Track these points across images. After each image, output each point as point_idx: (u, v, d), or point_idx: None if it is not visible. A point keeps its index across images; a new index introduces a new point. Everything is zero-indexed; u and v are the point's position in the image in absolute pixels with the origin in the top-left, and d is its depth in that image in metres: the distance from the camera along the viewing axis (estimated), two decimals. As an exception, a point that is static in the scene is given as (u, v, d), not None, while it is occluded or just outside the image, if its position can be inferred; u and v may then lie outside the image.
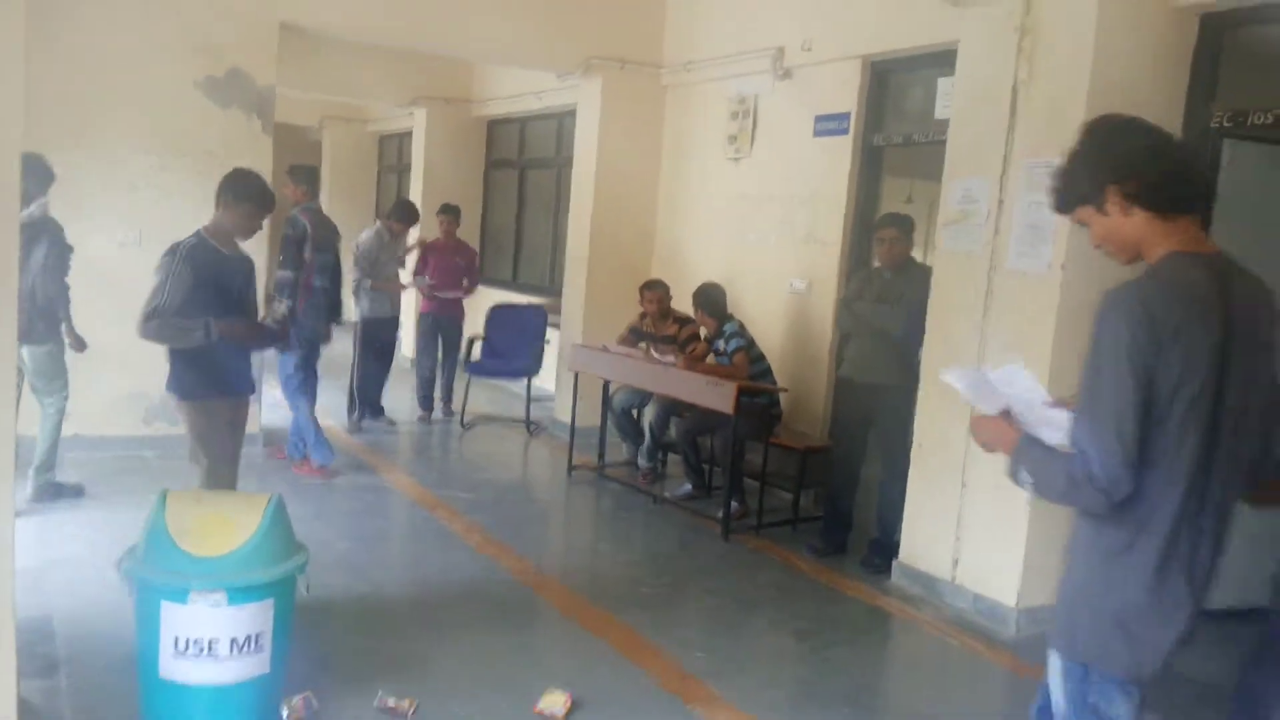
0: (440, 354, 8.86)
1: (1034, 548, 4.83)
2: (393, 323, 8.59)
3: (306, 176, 7.22)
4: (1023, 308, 4.84)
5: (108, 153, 6.58)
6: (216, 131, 6.82)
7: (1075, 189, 2.23)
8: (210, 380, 4.32)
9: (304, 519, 3.99)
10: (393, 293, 8.48)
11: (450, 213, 8.85)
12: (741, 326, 6.54)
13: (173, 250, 4.29)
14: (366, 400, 8.37)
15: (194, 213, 6.70)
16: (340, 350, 8.65)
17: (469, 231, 11.58)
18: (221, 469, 4.34)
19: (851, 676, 4.36)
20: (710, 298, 6.62)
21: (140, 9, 6.54)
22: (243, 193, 4.43)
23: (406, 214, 8.56)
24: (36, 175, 5.37)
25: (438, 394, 8.95)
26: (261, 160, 6.96)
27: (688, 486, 6.76)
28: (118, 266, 6.63)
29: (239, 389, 4.50)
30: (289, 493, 3.96)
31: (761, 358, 6.55)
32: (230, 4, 6.79)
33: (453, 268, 8.76)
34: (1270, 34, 4.81)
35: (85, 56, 6.44)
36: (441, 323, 8.79)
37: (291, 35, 7.25)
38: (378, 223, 8.71)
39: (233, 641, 3.18)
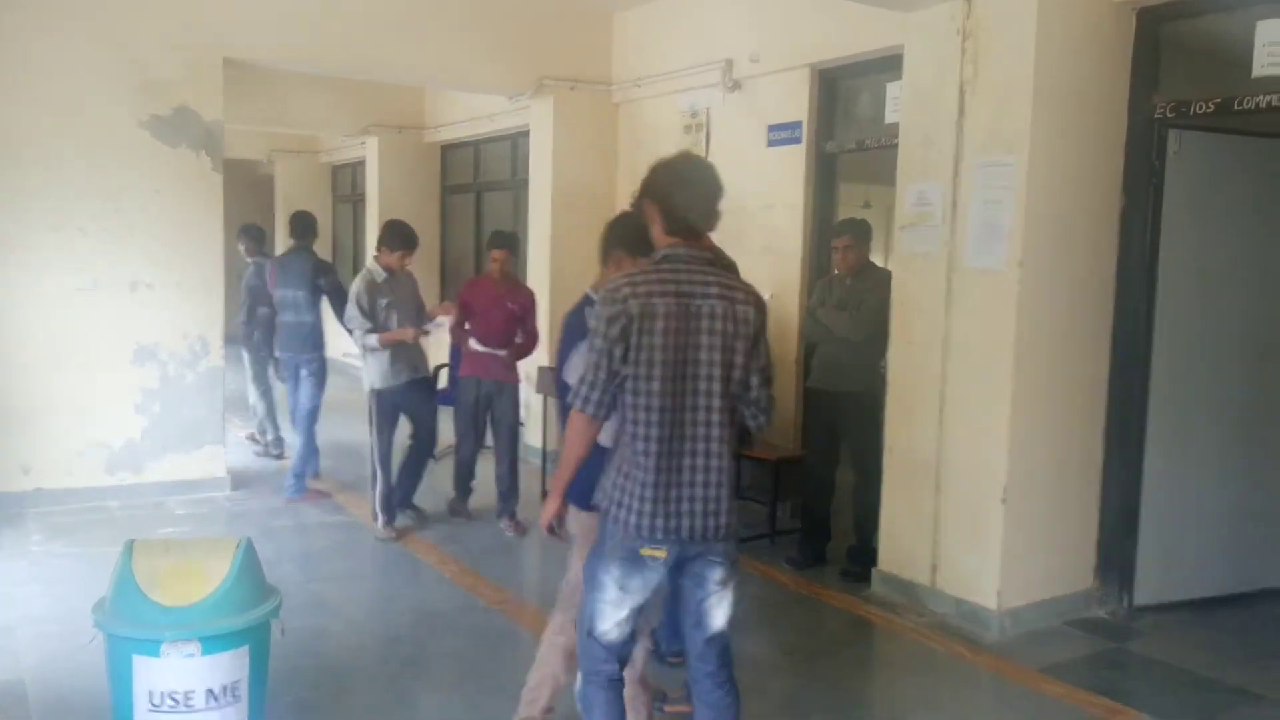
0: (490, 434, 6.56)
1: (1011, 549, 4.85)
2: (419, 391, 6.39)
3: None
4: (983, 305, 4.87)
5: (54, 197, 6.46)
6: (165, 170, 6.73)
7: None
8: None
9: (273, 561, 3.92)
10: (409, 348, 6.26)
11: (505, 243, 6.44)
12: None
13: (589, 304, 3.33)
14: (391, 500, 6.33)
15: (144, 254, 6.68)
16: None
17: (426, 259, 11.54)
18: None
19: (837, 688, 4.35)
20: None
21: (83, 51, 6.45)
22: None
23: (394, 238, 6.25)
24: None
25: (481, 485, 6.79)
26: (213, 197, 6.91)
27: None
28: (72, 312, 6.54)
29: None
30: (257, 535, 3.89)
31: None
32: (174, 42, 6.71)
33: (503, 316, 6.36)
34: (1203, 25, 4.91)
35: (28, 100, 6.35)
36: (486, 391, 6.36)
37: (237, 69, 7.19)
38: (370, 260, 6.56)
39: (209, 692, 3.11)
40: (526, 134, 8.95)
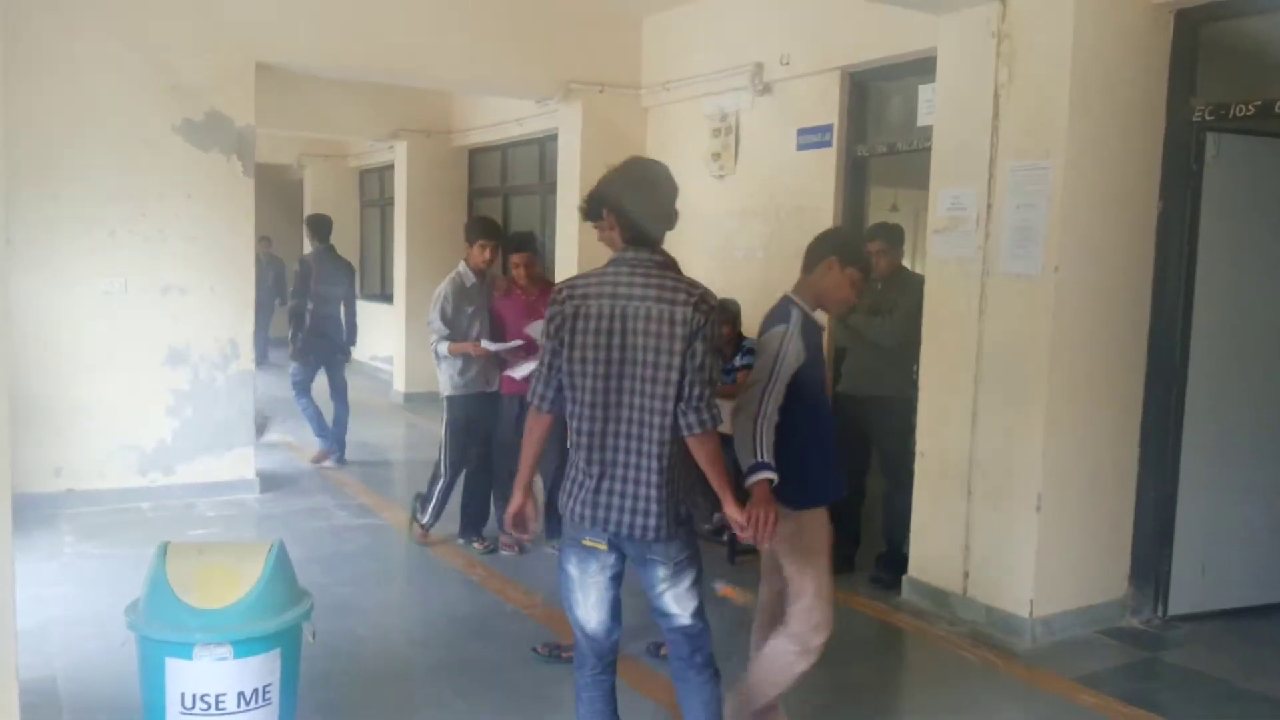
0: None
1: (1044, 556, 4.79)
2: (489, 405, 6.04)
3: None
4: (1017, 311, 4.82)
5: (86, 200, 6.52)
6: (197, 175, 6.78)
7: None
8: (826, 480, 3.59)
9: (302, 563, 3.92)
10: (483, 360, 5.92)
11: (524, 245, 6.06)
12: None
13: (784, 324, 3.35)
14: (468, 516, 6.18)
15: (175, 258, 6.73)
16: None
17: (452, 263, 11.54)
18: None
19: (869, 696, 4.31)
20: (731, 314, 6.46)
21: (116, 55, 6.50)
22: None
23: (473, 228, 6.14)
24: None
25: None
26: (244, 201, 6.95)
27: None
28: (103, 315, 6.59)
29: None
30: (286, 537, 3.90)
31: None
32: (206, 46, 6.77)
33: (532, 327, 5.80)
34: (1243, 26, 4.83)
35: (60, 103, 6.40)
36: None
37: (268, 74, 7.23)
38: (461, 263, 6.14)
39: (240, 695, 3.11)
40: (554, 138, 8.96)
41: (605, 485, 2.94)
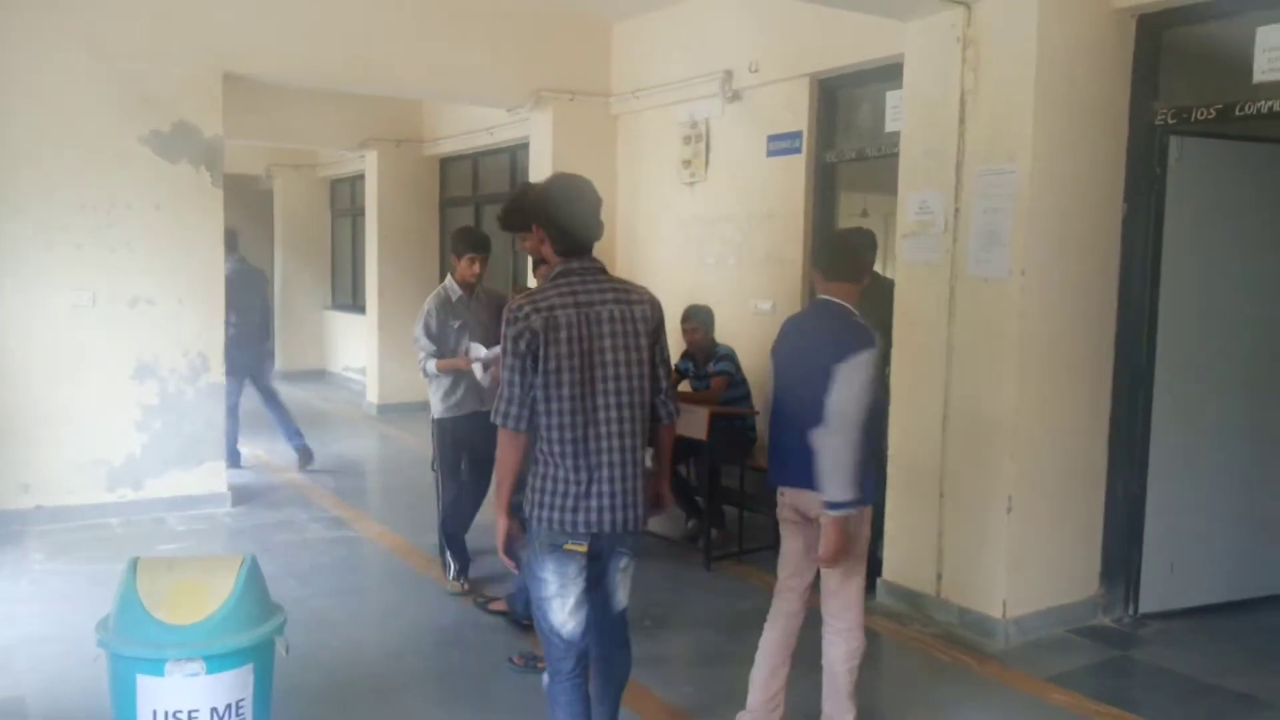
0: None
1: (1016, 557, 4.83)
2: (483, 424, 4.81)
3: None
4: (986, 313, 4.86)
5: (53, 212, 6.45)
6: (165, 186, 6.73)
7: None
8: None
9: (275, 578, 3.90)
10: (470, 378, 5.40)
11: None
12: (732, 352, 6.42)
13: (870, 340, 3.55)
14: (454, 546, 5.56)
15: (144, 270, 6.68)
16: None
17: (425, 273, 11.54)
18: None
19: (844, 697, 4.31)
20: (703, 319, 6.52)
21: (83, 67, 6.45)
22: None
23: (458, 240, 5.59)
24: None
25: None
26: (213, 212, 6.91)
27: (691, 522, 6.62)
28: (71, 328, 6.52)
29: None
30: (258, 551, 3.88)
31: (744, 381, 6.48)
32: (174, 58, 6.72)
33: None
34: (1204, 31, 4.90)
35: (26, 114, 6.34)
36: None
37: (236, 84, 7.19)
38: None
39: (213, 711, 3.08)
40: (525, 146, 8.97)
41: (595, 488, 3.06)
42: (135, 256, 6.67)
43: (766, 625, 3.88)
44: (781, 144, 6.86)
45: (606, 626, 3.30)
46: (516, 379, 3.04)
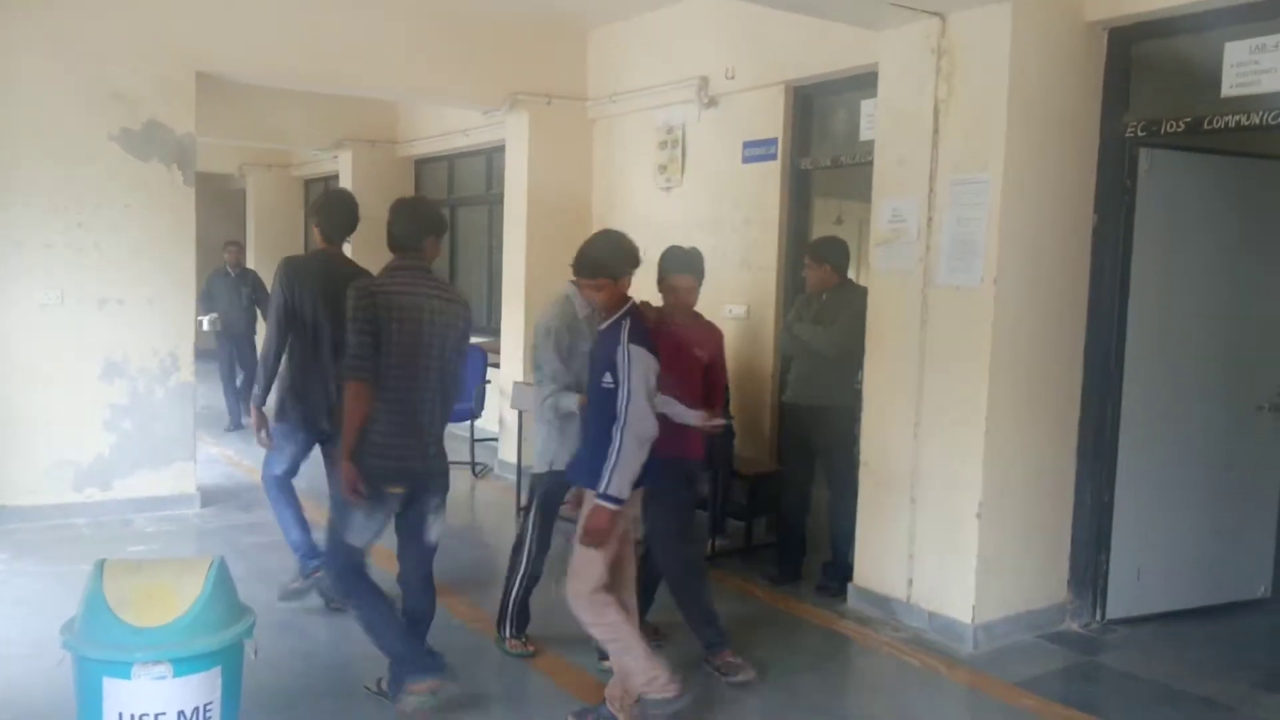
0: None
1: (985, 563, 4.87)
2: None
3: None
4: (958, 321, 4.90)
5: (22, 212, 6.38)
6: (136, 185, 6.66)
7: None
8: None
9: (244, 580, 3.87)
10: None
11: (693, 266, 4.75)
12: None
13: None
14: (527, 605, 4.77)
15: (114, 270, 6.61)
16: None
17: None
18: None
19: (814, 703, 4.34)
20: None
21: (52, 65, 6.38)
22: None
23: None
24: None
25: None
26: (184, 211, 6.85)
27: None
28: (40, 328, 6.45)
29: None
30: (227, 553, 3.85)
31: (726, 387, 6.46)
32: (145, 56, 6.66)
33: (687, 365, 4.52)
34: (1174, 46, 4.97)
35: (-5, 115, 6.27)
36: (691, 472, 4.61)
37: (209, 83, 7.13)
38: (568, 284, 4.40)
39: (180, 714, 3.06)
40: (501, 149, 8.95)
41: (414, 439, 3.90)
42: (105, 256, 6.60)
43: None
44: (757, 150, 6.89)
45: (419, 562, 4.18)
46: (367, 340, 3.82)
